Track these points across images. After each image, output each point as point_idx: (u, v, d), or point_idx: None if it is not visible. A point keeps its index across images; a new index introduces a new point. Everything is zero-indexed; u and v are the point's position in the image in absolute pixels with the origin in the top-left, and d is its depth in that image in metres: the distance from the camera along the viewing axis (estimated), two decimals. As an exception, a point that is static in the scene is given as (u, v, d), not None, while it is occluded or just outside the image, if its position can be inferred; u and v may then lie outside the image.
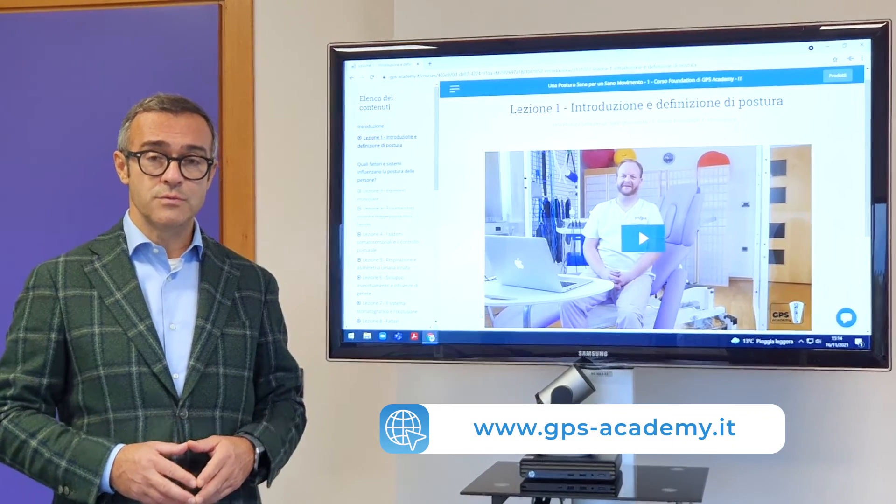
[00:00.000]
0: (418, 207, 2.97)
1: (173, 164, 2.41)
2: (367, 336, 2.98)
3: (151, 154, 2.42)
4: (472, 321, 2.94)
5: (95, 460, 2.32)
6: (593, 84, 2.89)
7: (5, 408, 2.39)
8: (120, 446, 2.34)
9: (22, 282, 3.26)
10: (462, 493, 2.68)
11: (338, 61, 3.02)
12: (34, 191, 3.78)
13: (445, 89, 2.96)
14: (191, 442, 2.38)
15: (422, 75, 2.98)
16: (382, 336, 2.98)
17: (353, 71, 3.01)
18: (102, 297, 2.42)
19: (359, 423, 3.57)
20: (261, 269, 2.67)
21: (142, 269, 2.46)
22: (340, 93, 3.01)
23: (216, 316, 2.49)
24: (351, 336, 2.99)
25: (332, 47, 3.03)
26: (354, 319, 2.99)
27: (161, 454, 2.33)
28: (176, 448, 2.35)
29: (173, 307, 2.46)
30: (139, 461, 2.30)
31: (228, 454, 2.38)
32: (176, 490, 2.31)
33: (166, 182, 2.41)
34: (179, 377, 2.42)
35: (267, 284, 2.65)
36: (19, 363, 2.40)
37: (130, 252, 2.46)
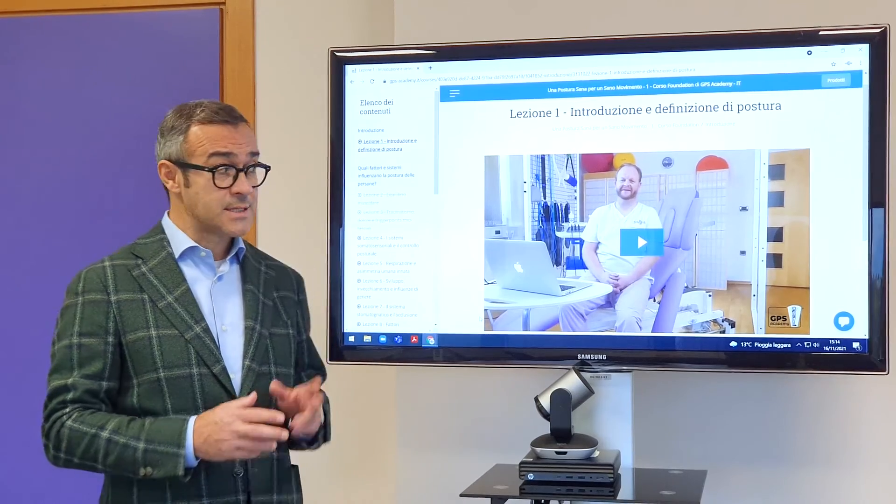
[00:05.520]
0: (418, 211, 2.98)
1: (242, 176, 2.44)
2: (367, 339, 2.99)
3: (222, 166, 2.43)
4: (472, 324, 2.95)
5: (175, 434, 2.32)
6: (593, 88, 2.90)
7: (66, 410, 2.36)
8: (194, 417, 2.34)
9: (25, 283, 3.25)
10: (461, 496, 2.69)
11: (338, 65, 3.03)
12: (37, 193, 3.79)
13: (445, 93, 2.98)
14: (273, 387, 2.39)
15: (422, 79, 2.99)
16: (382, 339, 2.99)
17: (354, 75, 3.02)
18: (154, 301, 2.42)
19: (359, 425, 3.58)
20: (291, 270, 2.70)
21: (188, 272, 2.47)
22: (341, 97, 3.02)
23: (262, 316, 2.51)
24: (351, 339, 3.00)
25: (332, 51, 3.04)
26: (355, 322, 3.00)
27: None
28: (247, 400, 2.35)
29: (223, 309, 2.48)
30: (222, 419, 2.31)
31: (317, 387, 2.42)
32: (268, 430, 2.31)
33: (238, 194, 2.43)
34: (236, 377, 2.44)
35: (298, 285, 2.68)
36: (75, 368, 2.37)
37: (177, 255, 2.47)
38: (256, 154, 2.49)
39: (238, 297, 2.51)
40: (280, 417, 2.35)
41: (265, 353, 2.49)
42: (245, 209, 2.46)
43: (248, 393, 2.41)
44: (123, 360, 2.41)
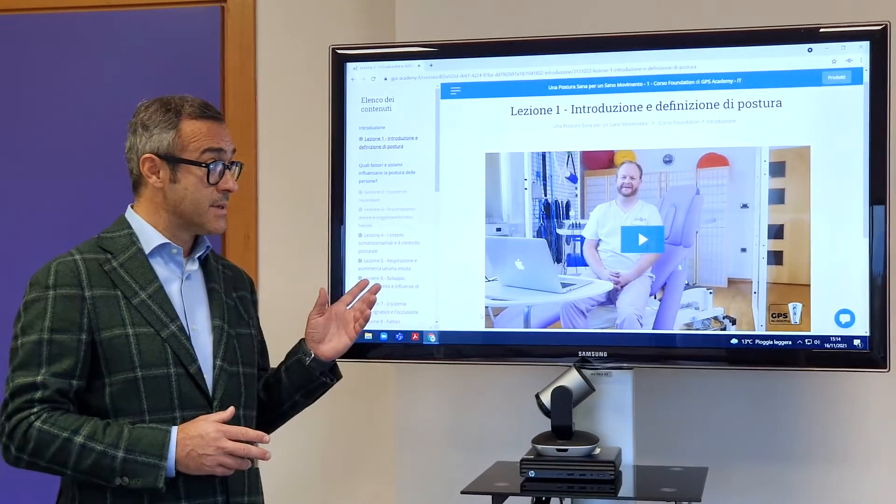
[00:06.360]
0: (419, 208, 2.98)
1: (229, 173, 2.44)
2: (367, 336, 2.98)
3: (213, 162, 2.41)
4: (473, 322, 2.95)
5: (157, 445, 2.27)
6: (593, 86, 2.90)
7: (34, 410, 2.27)
8: (175, 428, 2.30)
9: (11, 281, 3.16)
10: (462, 493, 2.69)
11: (339, 63, 3.03)
12: (36, 191, 3.79)
13: (446, 91, 2.98)
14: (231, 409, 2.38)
15: (423, 77, 2.99)
16: (383, 336, 2.99)
17: (355, 72, 3.02)
18: (128, 297, 2.36)
19: (359, 423, 3.58)
20: (243, 270, 2.70)
21: (158, 269, 2.43)
22: (342, 94, 3.02)
23: (228, 316, 2.50)
24: (352, 336, 3.00)
25: (333, 49, 3.04)
26: (355, 320, 2.99)
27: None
28: (226, 414, 2.33)
29: (192, 308, 2.45)
30: (207, 434, 2.27)
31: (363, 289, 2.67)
32: (256, 451, 2.30)
33: (226, 190, 2.43)
34: (208, 377, 2.41)
35: (251, 286, 2.68)
36: (44, 365, 2.28)
37: (147, 252, 2.42)
38: (234, 151, 2.49)
39: (204, 296, 2.48)
40: (266, 438, 2.35)
41: (233, 352, 2.47)
42: (224, 207, 2.45)
43: (221, 394, 2.40)
44: (95, 358, 2.33)
